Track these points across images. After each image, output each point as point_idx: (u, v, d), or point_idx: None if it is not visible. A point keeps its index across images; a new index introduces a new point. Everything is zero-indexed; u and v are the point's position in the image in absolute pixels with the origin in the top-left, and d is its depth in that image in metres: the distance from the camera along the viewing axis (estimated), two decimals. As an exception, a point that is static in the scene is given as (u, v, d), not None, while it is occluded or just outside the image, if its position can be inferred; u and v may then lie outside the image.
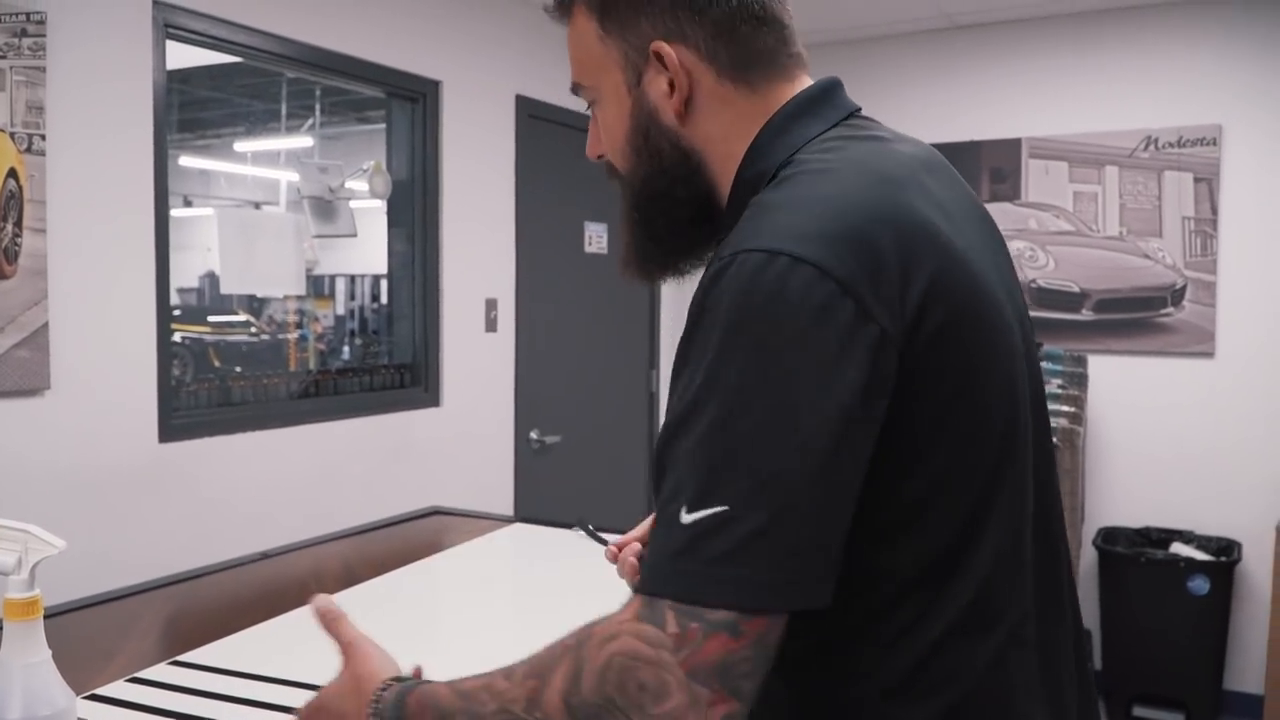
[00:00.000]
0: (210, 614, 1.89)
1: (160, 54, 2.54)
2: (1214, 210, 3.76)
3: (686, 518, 0.76)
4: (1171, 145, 3.81)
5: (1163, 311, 3.85)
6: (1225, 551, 3.71)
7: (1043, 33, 4.03)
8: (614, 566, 1.29)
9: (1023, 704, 0.86)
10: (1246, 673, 3.75)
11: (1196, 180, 3.78)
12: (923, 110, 4.15)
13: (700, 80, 0.93)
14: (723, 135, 0.94)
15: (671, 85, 0.93)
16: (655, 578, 0.78)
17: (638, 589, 0.80)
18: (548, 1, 1.02)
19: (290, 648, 1.64)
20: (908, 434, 0.80)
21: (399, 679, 0.95)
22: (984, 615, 0.84)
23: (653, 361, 4.65)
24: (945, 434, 0.82)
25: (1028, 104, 4.06)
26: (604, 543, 1.41)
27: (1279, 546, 3.40)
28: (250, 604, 1.91)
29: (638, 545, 1.24)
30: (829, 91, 0.96)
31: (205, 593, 1.99)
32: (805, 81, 0.97)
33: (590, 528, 1.56)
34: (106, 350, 2.45)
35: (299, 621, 1.76)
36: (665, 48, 0.92)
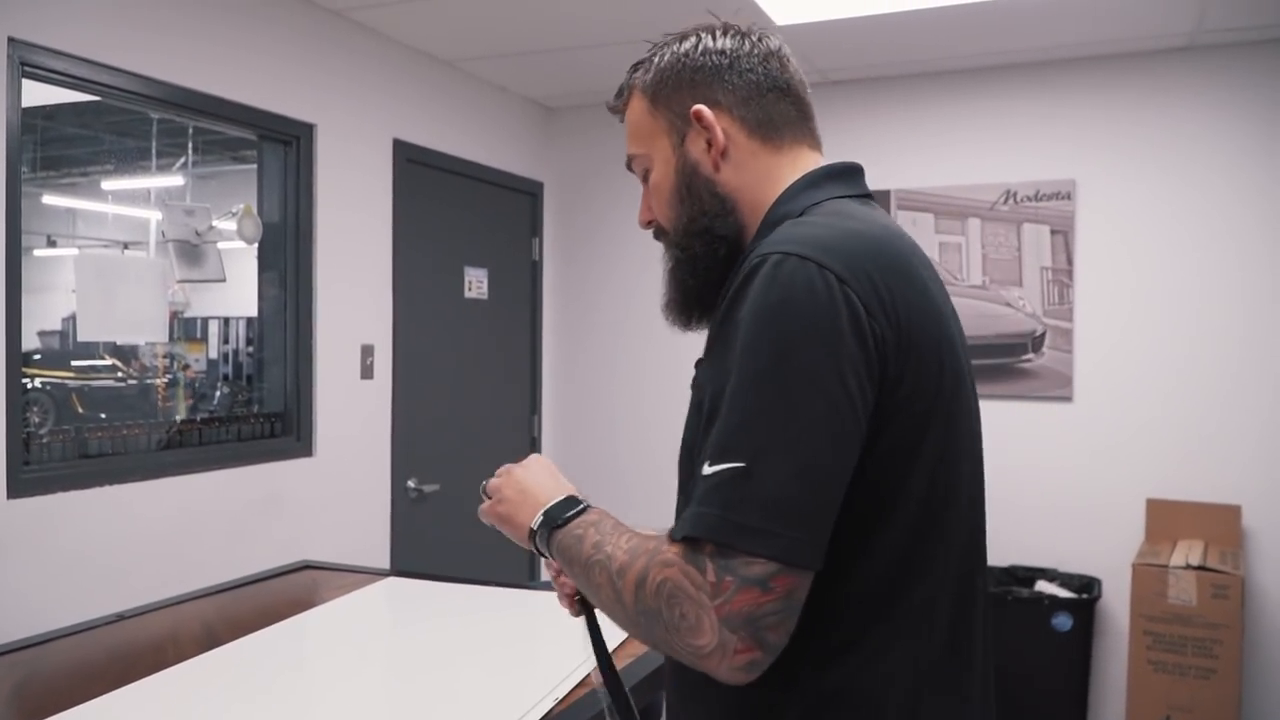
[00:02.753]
0: (58, 681, 1.79)
1: (15, 93, 2.44)
2: (1069, 261, 3.95)
3: (707, 469, 0.92)
4: (1029, 199, 3.99)
5: (1024, 358, 4.01)
6: (1087, 588, 3.85)
7: (911, 90, 4.19)
8: (490, 626, 1.29)
9: (940, 701, 1.02)
10: (1108, 706, 3.89)
11: (1053, 232, 3.96)
12: (797, 161, 4.23)
13: (734, 138, 1.13)
14: (753, 184, 1.14)
15: (709, 143, 1.13)
16: (682, 523, 0.93)
17: (672, 534, 0.94)
18: (609, 100, 1.25)
19: (143, 716, 1.57)
20: (880, 447, 0.96)
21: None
22: (917, 638, 1.00)
23: (534, 407, 4.63)
24: (917, 458, 0.98)
25: (896, 157, 4.21)
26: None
27: (1135, 583, 3.55)
28: (102, 670, 1.82)
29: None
30: (855, 171, 1.18)
31: (53, 659, 1.88)
32: (823, 155, 1.19)
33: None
34: (-50, 401, 2.32)
35: (153, 688, 1.68)
36: (704, 110, 1.12)
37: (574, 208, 4.76)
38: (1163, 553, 3.62)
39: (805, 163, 1.16)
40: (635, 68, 1.21)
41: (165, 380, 3.90)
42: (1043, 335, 3.99)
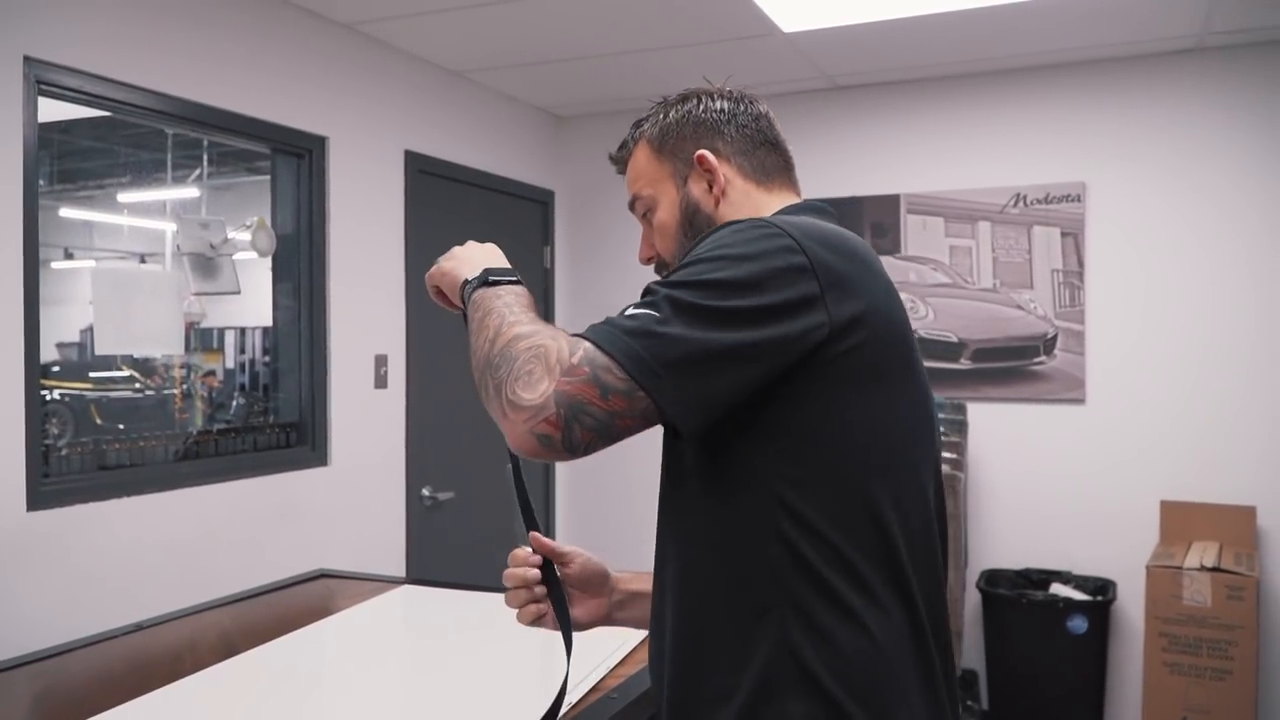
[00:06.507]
0: (78, 691, 1.82)
1: (31, 110, 2.47)
2: (1080, 263, 3.95)
3: (631, 310, 1.05)
4: (1039, 202, 4.00)
5: (1036, 360, 4.01)
6: (1101, 591, 3.84)
7: (919, 94, 4.20)
8: (505, 633, 1.33)
9: (902, 676, 1.08)
10: (1124, 708, 3.88)
11: (1064, 235, 3.96)
12: (807, 167, 4.23)
13: (732, 180, 1.30)
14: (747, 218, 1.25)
15: (709, 184, 1.29)
16: (590, 327, 1.05)
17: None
18: (612, 152, 1.41)
19: (161, 725, 1.59)
20: (826, 411, 1.07)
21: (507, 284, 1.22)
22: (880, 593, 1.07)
23: (547, 414, 4.64)
24: (865, 418, 1.08)
25: (905, 162, 4.21)
26: (526, 503, 1.39)
27: (1150, 585, 3.54)
28: (121, 679, 1.84)
29: (532, 571, 1.34)
30: (828, 209, 1.29)
31: (73, 668, 1.91)
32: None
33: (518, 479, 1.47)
34: (-30, 415, 2.35)
35: (172, 697, 1.70)
36: (707, 154, 1.29)
37: (585, 216, 4.78)
38: (1177, 554, 3.62)
39: (791, 201, 1.32)
40: (638, 124, 1.37)
41: (182, 391, 3.94)
42: (1054, 338, 3.98)
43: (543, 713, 1.30)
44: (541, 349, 1.03)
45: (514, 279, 1.22)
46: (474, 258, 1.30)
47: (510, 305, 1.15)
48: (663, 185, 1.33)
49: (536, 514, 1.38)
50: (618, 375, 1.00)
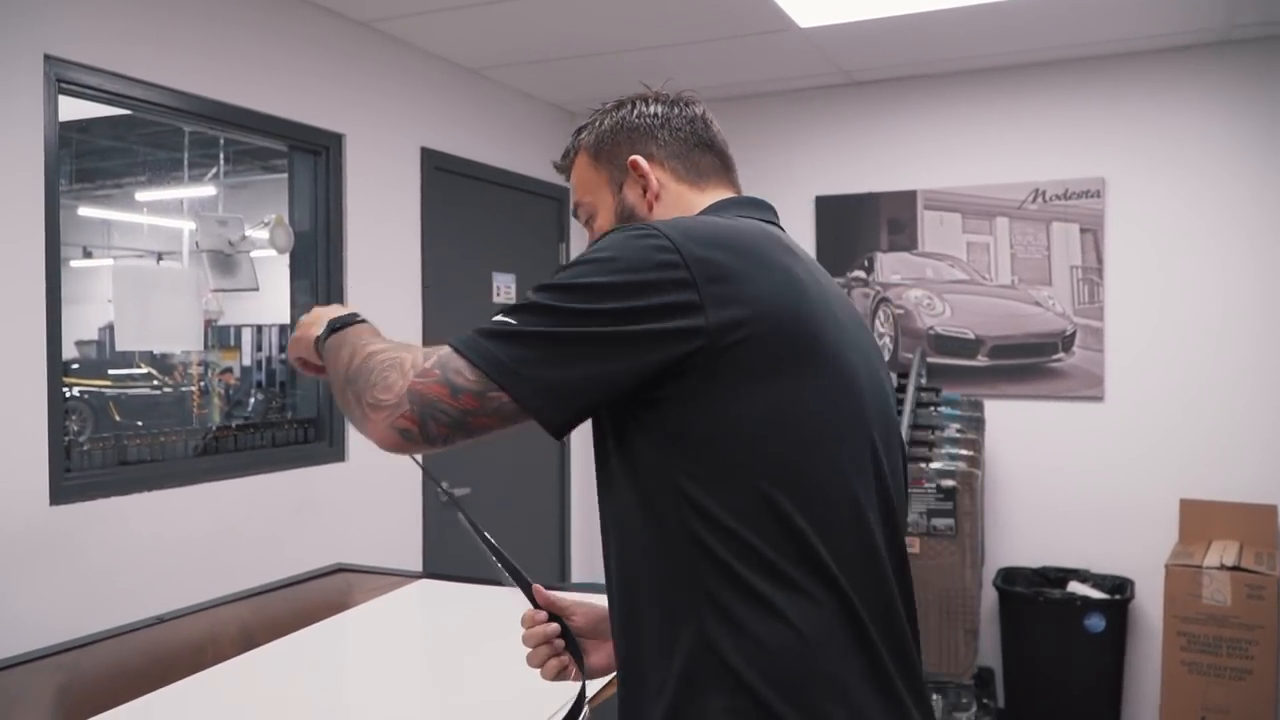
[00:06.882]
0: (100, 683, 1.83)
1: (52, 109, 2.49)
2: (1099, 259, 3.93)
3: (495, 317, 1.08)
4: (1058, 197, 3.98)
5: (1054, 357, 3.99)
6: (1119, 589, 3.82)
7: (936, 89, 4.19)
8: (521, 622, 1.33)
9: (838, 672, 1.05)
10: (1142, 707, 3.86)
11: (1083, 231, 3.94)
12: (823, 163, 4.26)
13: (665, 184, 1.30)
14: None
15: (644, 189, 1.30)
16: (457, 336, 1.08)
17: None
18: (555, 160, 1.43)
19: (183, 717, 1.60)
20: (711, 407, 1.05)
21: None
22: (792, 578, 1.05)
23: (563, 411, 4.64)
24: (766, 411, 1.06)
25: (922, 158, 4.20)
26: (485, 540, 1.41)
27: (1169, 584, 3.52)
28: (142, 671, 1.85)
29: (551, 626, 1.32)
30: (760, 202, 1.31)
31: (96, 661, 1.92)
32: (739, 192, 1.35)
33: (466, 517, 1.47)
34: (-7, 410, 2.36)
35: (192, 689, 1.72)
36: (639, 160, 1.30)
37: (601, 212, 4.77)
38: (1196, 553, 3.60)
39: (723, 197, 1.32)
40: (579, 131, 1.39)
41: (200, 388, 3.96)
42: (1073, 334, 3.97)
43: (565, 713, 1.30)
44: (396, 359, 1.10)
45: (359, 320, 1.28)
46: (319, 317, 1.34)
47: (360, 334, 1.22)
48: (601, 192, 1.34)
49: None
50: (468, 377, 1.05)
